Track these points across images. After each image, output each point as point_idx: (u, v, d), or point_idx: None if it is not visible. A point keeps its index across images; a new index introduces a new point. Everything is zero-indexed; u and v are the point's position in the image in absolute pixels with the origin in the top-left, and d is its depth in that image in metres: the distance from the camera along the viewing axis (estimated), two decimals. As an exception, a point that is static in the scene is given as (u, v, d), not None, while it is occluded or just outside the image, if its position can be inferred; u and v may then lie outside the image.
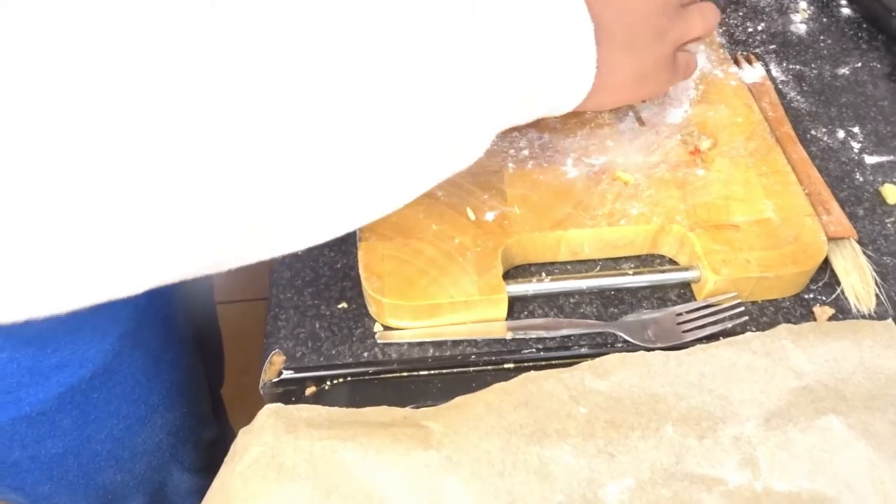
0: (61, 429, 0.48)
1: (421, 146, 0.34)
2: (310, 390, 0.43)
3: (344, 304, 0.46)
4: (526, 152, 0.50)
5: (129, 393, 0.51)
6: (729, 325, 0.43)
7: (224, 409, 0.87)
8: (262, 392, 0.43)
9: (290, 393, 0.43)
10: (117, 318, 0.48)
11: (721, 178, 0.48)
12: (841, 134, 0.55)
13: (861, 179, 0.52)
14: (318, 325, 0.44)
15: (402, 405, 0.40)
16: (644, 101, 0.53)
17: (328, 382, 0.43)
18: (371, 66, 0.31)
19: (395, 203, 0.37)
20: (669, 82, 0.47)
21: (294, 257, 0.43)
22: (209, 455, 0.63)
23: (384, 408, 0.40)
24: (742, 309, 0.44)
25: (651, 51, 0.44)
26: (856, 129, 0.55)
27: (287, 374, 0.42)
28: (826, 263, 0.47)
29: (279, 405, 0.40)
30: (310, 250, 0.42)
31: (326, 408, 0.40)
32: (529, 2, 0.37)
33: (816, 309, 0.45)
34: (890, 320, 0.42)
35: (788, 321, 0.45)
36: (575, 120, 0.52)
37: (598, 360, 0.41)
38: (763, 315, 0.45)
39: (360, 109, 0.32)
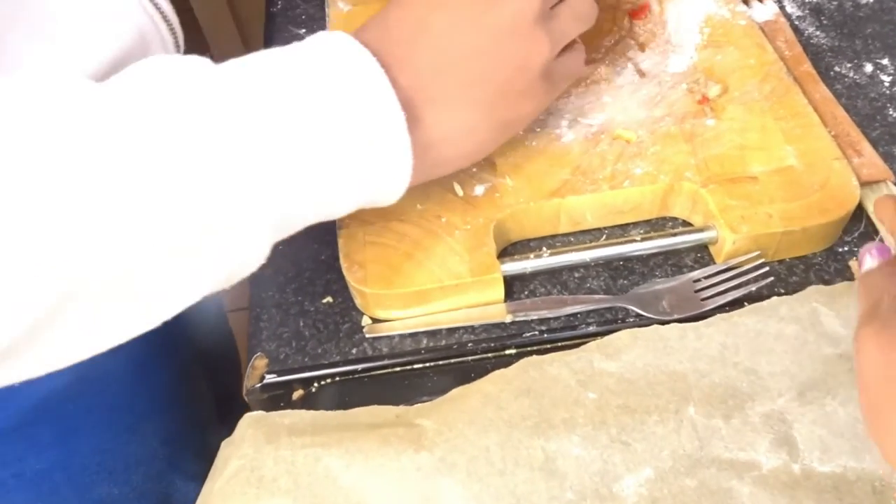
0: (41, 443, 0.46)
1: (190, 260, 0.29)
2: (297, 394, 0.40)
3: (329, 299, 0.42)
4: (517, 118, 0.45)
5: (112, 402, 0.49)
6: (753, 288, 0.39)
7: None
8: (247, 399, 0.40)
9: (276, 398, 0.40)
10: None
11: (734, 126, 0.43)
12: (868, 68, 0.50)
13: (895, 115, 0.47)
14: (301, 323, 0.41)
15: (397, 403, 0.37)
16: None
17: (316, 384, 0.39)
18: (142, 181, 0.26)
19: (167, 313, 0.30)
20: (545, 102, 0.38)
21: (275, 252, 0.39)
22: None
23: (374, 407, 0.37)
24: (767, 269, 0.39)
25: (508, 96, 0.35)
26: (885, 61, 0.50)
27: (270, 379, 0.39)
28: (860, 211, 0.42)
29: (260, 413, 0.37)
30: (291, 243, 0.39)
31: (311, 412, 0.37)
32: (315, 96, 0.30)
33: (853, 263, 0.40)
34: (938, 269, 0.37)
35: (821, 279, 0.40)
36: (569, 78, 0.47)
37: (606, 338, 0.37)
38: (792, 274, 0.40)
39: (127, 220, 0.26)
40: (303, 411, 0.36)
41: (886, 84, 0.49)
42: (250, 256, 0.31)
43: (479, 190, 0.42)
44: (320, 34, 0.32)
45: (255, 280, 0.44)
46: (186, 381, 0.58)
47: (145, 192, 0.26)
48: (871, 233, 0.41)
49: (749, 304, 0.38)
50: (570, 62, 0.39)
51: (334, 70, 0.31)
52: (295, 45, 0.32)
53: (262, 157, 0.29)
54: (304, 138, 0.30)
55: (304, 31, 0.57)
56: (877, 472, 0.31)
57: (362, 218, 0.41)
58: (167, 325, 0.56)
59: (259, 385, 0.39)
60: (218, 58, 0.31)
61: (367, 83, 0.31)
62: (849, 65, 0.50)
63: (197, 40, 1.27)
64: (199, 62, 0.29)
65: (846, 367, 0.34)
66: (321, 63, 0.31)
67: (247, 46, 1.31)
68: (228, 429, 0.62)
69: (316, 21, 0.57)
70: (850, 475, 0.31)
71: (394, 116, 0.31)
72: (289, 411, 0.37)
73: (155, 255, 0.27)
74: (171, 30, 0.39)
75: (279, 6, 0.59)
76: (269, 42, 0.57)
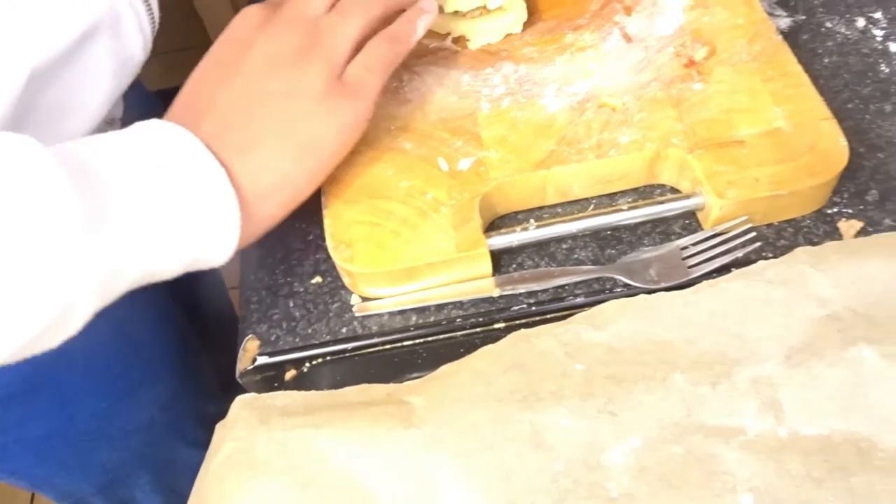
0: (38, 410, 0.47)
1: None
2: (290, 374, 0.40)
3: (318, 279, 0.42)
4: (501, 89, 0.45)
5: (106, 370, 0.50)
6: (740, 254, 0.39)
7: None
8: (241, 382, 0.40)
9: (270, 379, 0.40)
10: None
11: (722, 89, 0.43)
12: (860, 22, 0.48)
13: (887, 71, 0.46)
14: (291, 304, 0.41)
15: (387, 380, 0.37)
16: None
17: (307, 364, 0.40)
18: None
19: None
20: (355, 108, 0.37)
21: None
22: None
23: (365, 386, 0.37)
24: (754, 234, 0.39)
25: (297, 122, 0.36)
26: (877, 15, 0.49)
27: (262, 360, 0.40)
28: (849, 170, 0.41)
29: (252, 395, 0.37)
30: (279, 224, 0.39)
31: (303, 392, 0.37)
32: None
33: (842, 224, 0.40)
34: (927, 228, 0.37)
35: (811, 242, 0.40)
36: (554, 46, 0.47)
37: (595, 308, 0.37)
38: (780, 238, 0.40)
39: None
40: (294, 392, 0.37)
41: (879, 39, 0.47)
42: (74, 317, 0.31)
43: (464, 164, 0.42)
44: (137, 124, 0.34)
45: (244, 262, 0.44)
46: (184, 352, 0.59)
47: None
48: (862, 192, 0.41)
49: (737, 269, 0.38)
50: (370, 59, 0.38)
51: (154, 143, 0.33)
52: (114, 132, 0.33)
53: (93, 223, 0.29)
54: (137, 206, 0.31)
55: None
56: (862, 433, 0.31)
57: (347, 197, 0.41)
58: (159, 300, 0.56)
59: (251, 367, 0.40)
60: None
61: (186, 150, 0.33)
62: (839, 19, 0.49)
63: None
64: (26, 140, 0.29)
65: (835, 328, 0.34)
66: (145, 139, 0.33)
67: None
68: (232, 399, 0.62)
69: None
70: (836, 437, 0.32)
71: (215, 175, 0.33)
72: (280, 392, 0.37)
73: None
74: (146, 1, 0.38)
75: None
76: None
